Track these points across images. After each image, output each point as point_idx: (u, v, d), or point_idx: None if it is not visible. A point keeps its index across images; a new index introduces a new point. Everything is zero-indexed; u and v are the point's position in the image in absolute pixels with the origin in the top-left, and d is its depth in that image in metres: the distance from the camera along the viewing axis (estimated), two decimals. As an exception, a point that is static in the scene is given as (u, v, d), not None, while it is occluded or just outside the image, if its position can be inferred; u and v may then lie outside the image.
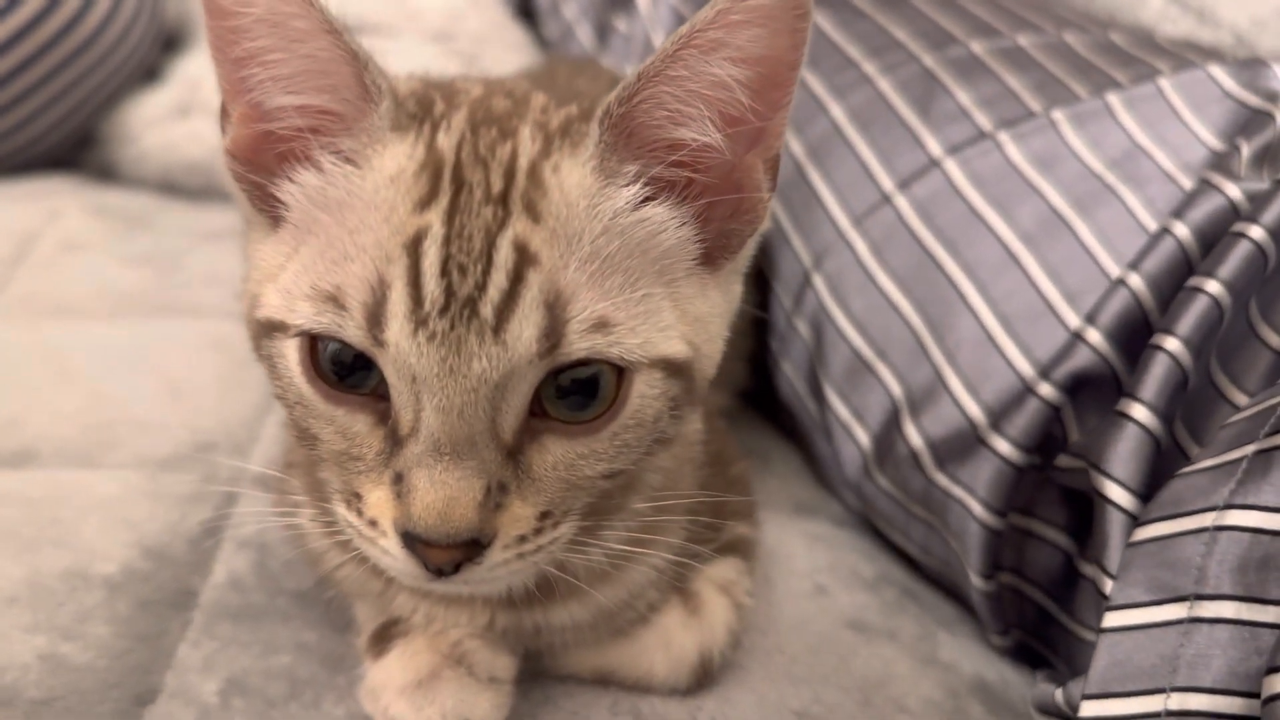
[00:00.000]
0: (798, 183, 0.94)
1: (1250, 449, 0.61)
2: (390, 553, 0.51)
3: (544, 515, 0.51)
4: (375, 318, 0.48)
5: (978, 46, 0.93)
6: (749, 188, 0.54)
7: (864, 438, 0.85)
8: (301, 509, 0.66)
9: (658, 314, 0.51)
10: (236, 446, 0.84)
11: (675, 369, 0.52)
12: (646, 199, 0.52)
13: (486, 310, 0.47)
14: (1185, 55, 0.90)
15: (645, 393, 0.51)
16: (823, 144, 0.94)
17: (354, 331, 0.48)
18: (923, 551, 0.83)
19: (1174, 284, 0.74)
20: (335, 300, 0.48)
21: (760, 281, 0.98)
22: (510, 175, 0.50)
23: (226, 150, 0.55)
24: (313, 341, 0.50)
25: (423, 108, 0.53)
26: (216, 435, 0.86)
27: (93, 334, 1.00)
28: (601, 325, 0.49)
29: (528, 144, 0.52)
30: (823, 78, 0.97)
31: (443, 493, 0.48)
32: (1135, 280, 0.74)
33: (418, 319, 0.47)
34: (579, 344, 0.48)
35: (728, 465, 0.74)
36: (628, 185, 0.51)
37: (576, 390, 0.50)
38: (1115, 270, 0.76)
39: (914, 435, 0.80)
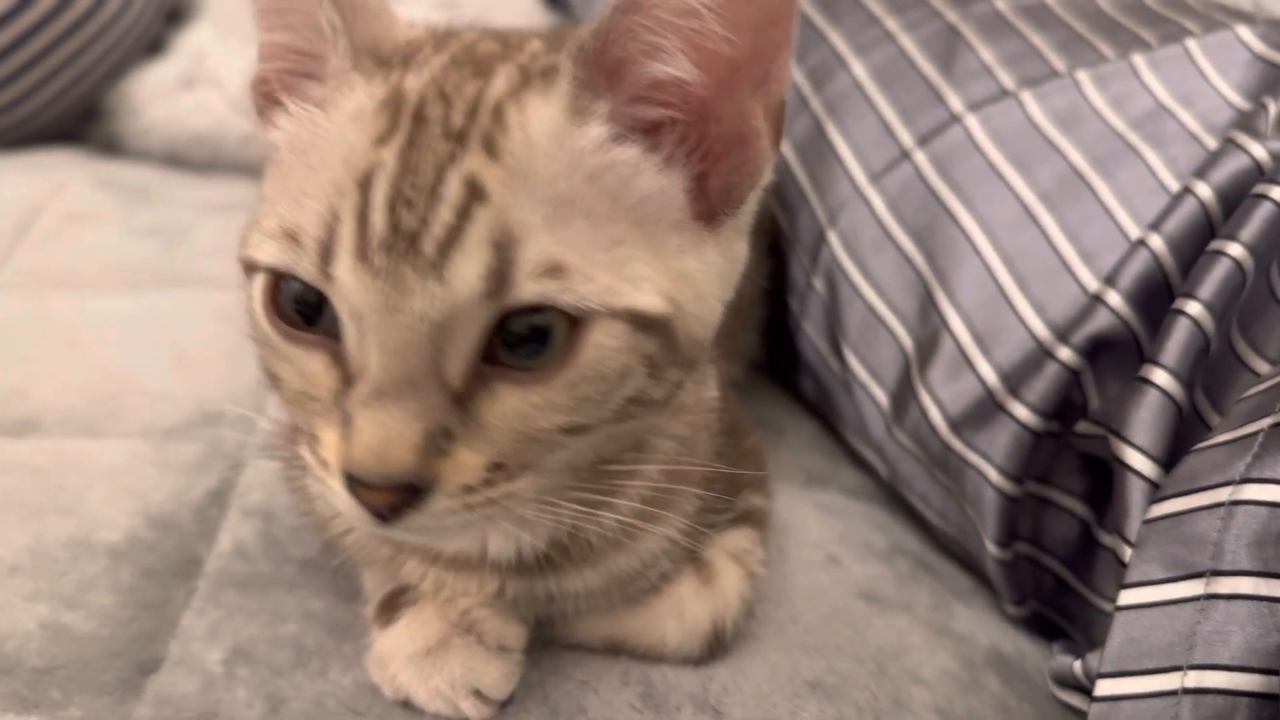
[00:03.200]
0: (815, 140, 0.93)
1: (1266, 423, 0.60)
2: (338, 494, 0.49)
3: (495, 467, 0.48)
4: (326, 254, 0.46)
5: (1001, 3, 0.91)
6: (748, 136, 0.50)
7: (881, 395, 0.84)
8: (309, 472, 0.65)
9: (628, 264, 0.48)
10: (243, 416, 0.83)
11: (648, 324, 0.48)
12: (621, 140, 0.49)
13: (429, 246, 0.45)
14: (1213, 15, 0.88)
15: (604, 344, 0.47)
16: (842, 101, 0.92)
17: (308, 268, 0.47)
18: (940, 517, 0.82)
19: (1195, 245, 0.73)
20: (294, 238, 0.47)
21: (774, 251, 0.97)
22: (473, 113, 0.48)
23: (250, 84, 0.56)
24: (276, 281, 0.49)
25: (406, 53, 0.52)
26: (223, 405, 0.85)
27: (99, 306, 0.99)
28: (555, 269, 0.46)
29: (500, 83, 0.50)
30: (845, 35, 0.95)
31: (379, 434, 0.46)
32: (1156, 241, 0.72)
33: (361, 254, 0.46)
34: (529, 288, 0.45)
35: (742, 437, 0.73)
36: (596, 124, 0.48)
37: (533, 338, 0.47)
38: (1134, 230, 0.74)
39: (924, 393, 0.79)
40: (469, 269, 0.45)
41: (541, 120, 0.48)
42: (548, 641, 0.66)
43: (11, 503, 0.72)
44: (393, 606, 0.64)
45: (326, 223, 0.46)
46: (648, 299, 0.48)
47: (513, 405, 0.48)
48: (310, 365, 0.50)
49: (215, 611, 0.65)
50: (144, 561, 0.68)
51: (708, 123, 0.50)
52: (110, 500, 0.73)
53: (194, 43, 1.46)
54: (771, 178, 0.54)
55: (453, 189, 0.46)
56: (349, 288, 0.46)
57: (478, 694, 0.60)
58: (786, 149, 0.96)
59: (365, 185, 0.47)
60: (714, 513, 0.67)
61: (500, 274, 0.45)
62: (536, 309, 0.46)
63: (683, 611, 0.65)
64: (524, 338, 0.47)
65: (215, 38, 1.45)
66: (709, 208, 0.51)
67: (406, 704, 0.60)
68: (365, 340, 0.47)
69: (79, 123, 1.46)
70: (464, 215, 0.45)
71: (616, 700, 0.62)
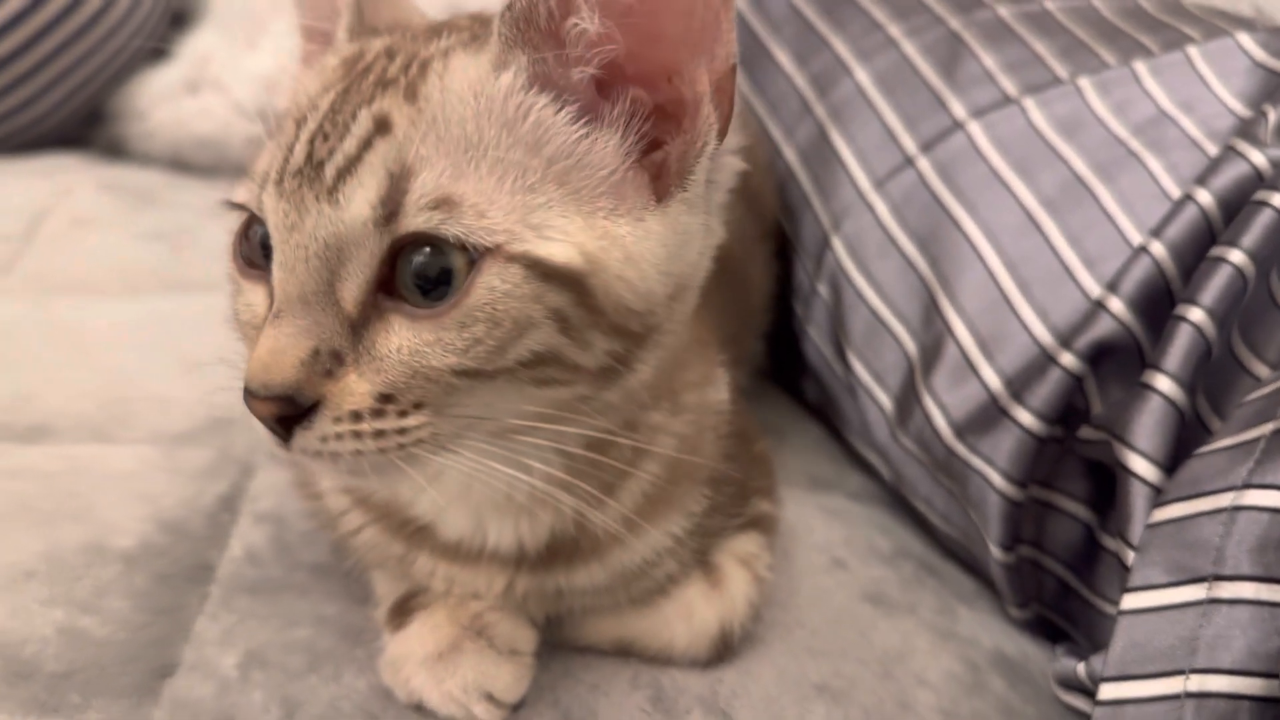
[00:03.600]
0: (819, 145, 0.94)
1: (1268, 428, 0.60)
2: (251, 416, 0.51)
3: (385, 398, 0.49)
4: (264, 186, 0.51)
5: (1004, 10, 0.92)
6: (694, 103, 0.51)
7: (885, 399, 0.85)
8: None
9: (540, 211, 0.49)
10: (251, 420, 0.84)
11: (553, 275, 0.48)
12: (544, 93, 0.50)
13: (329, 172, 0.48)
14: (1213, 22, 0.89)
15: (495, 286, 0.48)
16: (846, 107, 0.93)
17: (254, 200, 0.52)
18: (944, 520, 0.82)
19: (1196, 252, 0.73)
20: (253, 178, 0.52)
21: (780, 256, 0.98)
22: (406, 67, 0.52)
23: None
24: (247, 224, 0.54)
25: (391, 27, 0.58)
26: (232, 410, 0.84)
27: (106, 310, 1.00)
28: (444, 202, 0.47)
29: (440, 43, 0.53)
30: (848, 41, 0.96)
31: (269, 345, 0.48)
32: (1157, 248, 0.73)
33: (279, 180, 0.50)
34: (416, 218, 0.47)
35: (751, 443, 0.74)
36: (511, 73, 0.50)
37: (442, 280, 0.48)
38: (1136, 236, 0.75)
39: (927, 398, 0.80)
40: (360, 194, 0.48)
41: (464, 70, 0.50)
42: (557, 644, 0.67)
43: (25, 508, 0.72)
44: (404, 610, 0.65)
45: (270, 161, 0.51)
46: (553, 248, 0.48)
47: (405, 339, 0.49)
48: (254, 296, 0.54)
49: (228, 616, 0.66)
50: (157, 567, 0.69)
51: (653, 88, 0.51)
52: (122, 506, 0.74)
53: (198, 47, 1.47)
54: (735, 145, 0.54)
55: (362, 123, 0.50)
56: (268, 210, 0.50)
57: (490, 697, 0.60)
58: (790, 155, 0.97)
59: (301, 123, 0.51)
60: (723, 516, 0.68)
61: (391, 203, 0.48)
62: (424, 240, 0.48)
63: (691, 614, 0.66)
64: (433, 280, 0.48)
65: (219, 42, 1.45)
66: (667, 179, 0.52)
67: (420, 708, 0.61)
68: (275, 263, 0.50)
69: (83, 127, 1.47)
70: (365, 146, 0.49)
71: (627, 703, 0.63)
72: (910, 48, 0.93)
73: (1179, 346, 0.69)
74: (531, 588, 0.63)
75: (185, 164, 1.41)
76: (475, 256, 0.48)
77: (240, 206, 0.54)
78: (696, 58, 0.50)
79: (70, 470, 0.77)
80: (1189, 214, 0.74)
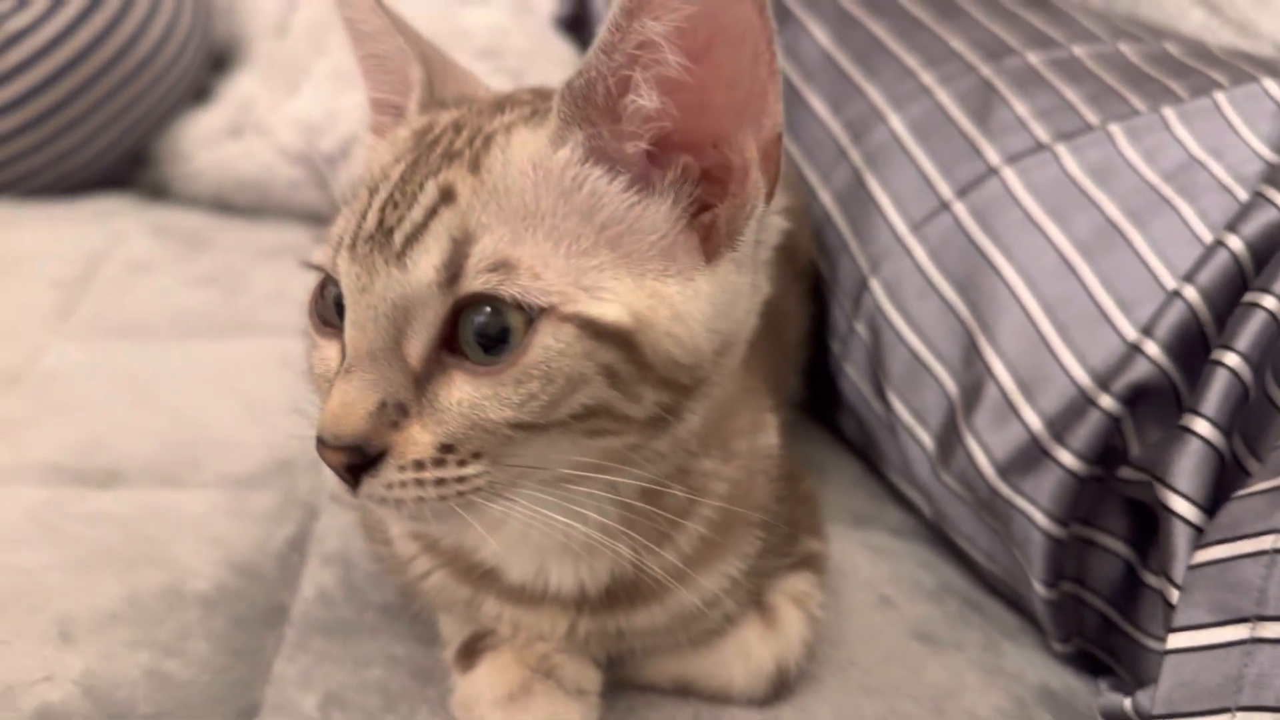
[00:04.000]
0: (855, 190, 0.97)
1: None
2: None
3: (446, 448, 0.52)
4: (339, 249, 0.55)
5: (1034, 57, 0.95)
6: (742, 170, 0.54)
7: (926, 439, 0.87)
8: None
9: (590, 274, 0.52)
10: (314, 463, 0.86)
11: (604, 333, 0.51)
12: (599, 165, 0.53)
13: (398, 238, 0.52)
14: (1240, 66, 0.91)
15: (550, 345, 0.51)
16: (881, 152, 0.96)
17: (330, 263, 0.56)
18: (987, 559, 0.85)
19: (1228, 296, 0.76)
20: (330, 240, 0.57)
21: (815, 296, 1.00)
22: (472, 140, 0.56)
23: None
24: (322, 284, 0.58)
25: (463, 101, 0.62)
26: (293, 452, 0.88)
27: (165, 354, 1.03)
28: (502, 265, 0.51)
29: (504, 118, 0.57)
30: (882, 88, 0.99)
31: (340, 399, 0.52)
32: (1190, 293, 0.76)
33: (352, 245, 0.54)
34: (476, 280, 0.51)
35: (798, 481, 0.76)
36: (569, 148, 0.53)
37: (500, 339, 0.51)
38: (1169, 280, 0.77)
39: (970, 438, 0.82)
40: (425, 259, 0.52)
41: (524, 144, 0.54)
42: (619, 683, 0.69)
43: (104, 553, 0.75)
44: (472, 651, 0.67)
45: (345, 226, 0.55)
46: (603, 308, 0.52)
47: (466, 393, 0.52)
48: (328, 352, 0.58)
49: (305, 658, 0.69)
50: (234, 610, 0.72)
51: (702, 156, 0.54)
52: (196, 550, 0.77)
53: (241, 90, 1.50)
54: (779, 207, 0.57)
55: (429, 193, 0.53)
56: (341, 273, 0.54)
57: (561, 736, 0.63)
58: (826, 199, 1.00)
59: (374, 191, 0.56)
60: (775, 556, 0.70)
61: (454, 266, 0.51)
62: (484, 300, 0.51)
63: (748, 654, 0.69)
64: (493, 338, 0.52)
65: (261, 86, 1.49)
66: (716, 240, 0.55)
67: (493, 747, 0.63)
68: (347, 321, 0.54)
69: (128, 168, 1.51)
70: (431, 214, 0.53)
71: (689, 741, 0.66)
72: (943, 95, 0.96)
73: (1216, 390, 0.71)
74: (593, 629, 0.66)
75: (229, 205, 1.44)
76: (532, 316, 0.51)
77: (317, 268, 0.58)
78: (745, 127, 0.53)
79: (143, 515, 0.80)
80: (1220, 259, 0.76)
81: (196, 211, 1.42)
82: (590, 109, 0.53)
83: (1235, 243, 0.76)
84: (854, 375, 0.97)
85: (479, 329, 0.51)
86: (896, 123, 0.96)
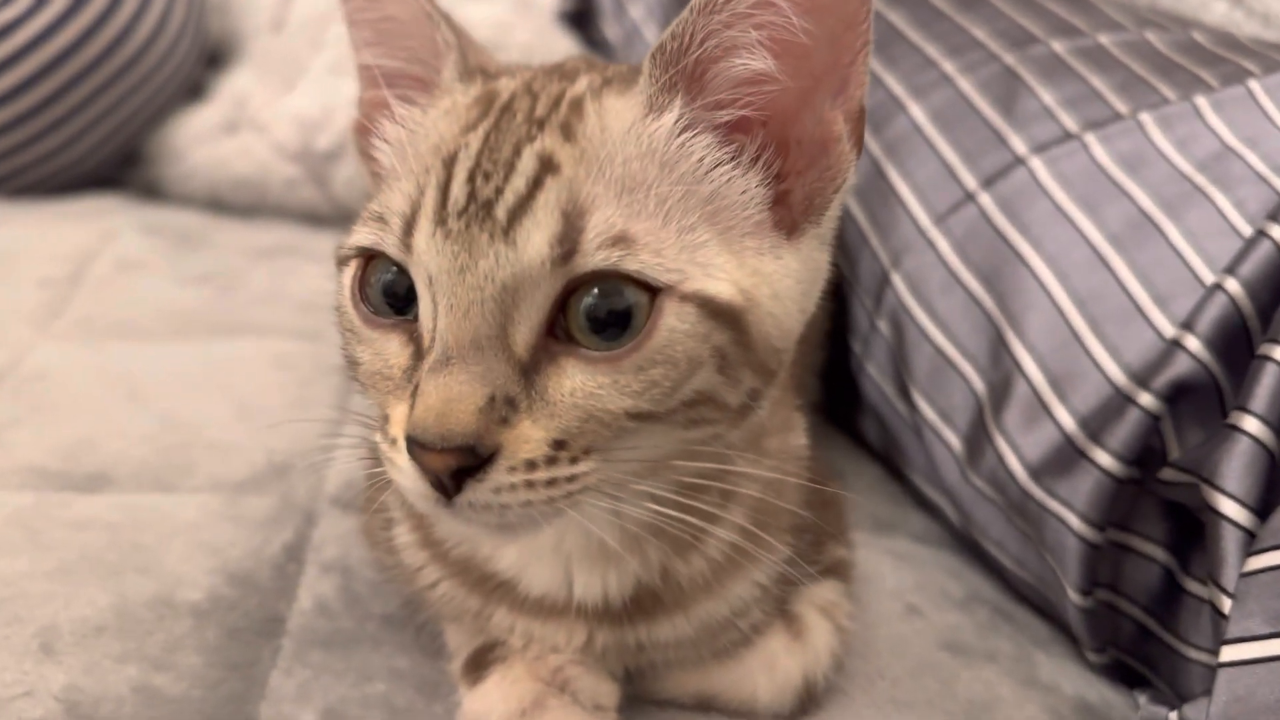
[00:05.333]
0: (875, 182, 0.93)
1: None
2: (402, 469, 0.49)
3: (558, 444, 0.48)
4: (409, 226, 0.49)
5: (1059, 45, 0.92)
6: (829, 142, 0.51)
7: (954, 439, 0.84)
8: (397, 524, 0.66)
9: (701, 249, 0.49)
10: (312, 467, 0.83)
11: (719, 313, 0.48)
12: (699, 134, 0.51)
13: (500, 211, 0.48)
14: (1270, 55, 0.88)
15: (675, 326, 0.48)
16: (902, 143, 0.92)
17: (392, 242, 0.50)
18: (1018, 565, 0.81)
19: (1271, 289, 0.72)
20: (382, 219, 0.51)
21: (835, 293, 0.97)
22: (555, 105, 0.52)
23: (354, 125, 0.62)
24: (364, 270, 0.53)
25: (503, 70, 0.58)
26: (290, 456, 0.85)
27: (157, 355, 0.99)
28: (621, 240, 0.47)
29: (582, 83, 0.53)
30: (901, 77, 0.96)
31: (443, 394, 0.47)
32: (1233, 285, 0.72)
33: (440, 220, 0.48)
34: (595, 256, 0.47)
35: (823, 485, 0.72)
36: (670, 115, 0.50)
37: (613, 322, 0.48)
38: (1206, 273, 0.74)
39: (999, 438, 0.79)
40: (538, 234, 0.47)
41: (618, 111, 0.51)
42: (637, 698, 0.65)
43: (91, 560, 0.71)
44: (480, 664, 0.64)
45: (412, 199, 0.50)
46: (719, 285, 0.49)
47: (581, 382, 0.48)
48: (388, 345, 0.52)
49: (303, 671, 0.65)
50: (227, 621, 0.68)
51: (788, 125, 0.52)
52: (188, 557, 0.73)
53: (236, 87, 1.47)
54: (854, 180, 0.54)
55: (527, 162, 0.49)
56: (425, 252, 0.48)
57: (578, 756, 0.59)
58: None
59: (450, 162, 0.50)
60: (803, 563, 0.67)
61: (568, 241, 0.47)
62: (601, 278, 0.47)
63: (774, 666, 0.65)
64: (605, 322, 0.48)
65: (257, 82, 1.46)
66: (792, 218, 0.53)
67: (505, 765, 0.59)
68: (437, 307, 0.49)
69: (120, 167, 1.47)
70: (536, 184, 0.48)
71: (712, 759, 0.62)
72: (966, 84, 0.92)
73: (1265, 386, 0.68)
74: (612, 641, 0.62)
75: (223, 204, 1.41)
76: (651, 295, 0.48)
77: (366, 251, 0.52)
78: (835, 96, 0.51)
79: (133, 521, 0.76)
80: (1263, 251, 0.73)
81: (190, 210, 1.39)
82: (685, 73, 0.50)
83: (1278, 233, 0.73)
84: (876, 375, 0.93)
85: (589, 311, 0.48)
86: (917, 112, 0.93)
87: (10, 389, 0.92)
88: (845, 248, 0.96)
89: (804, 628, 0.66)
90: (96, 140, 1.40)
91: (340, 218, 1.31)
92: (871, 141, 0.95)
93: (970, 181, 0.87)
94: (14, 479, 0.80)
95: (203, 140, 1.43)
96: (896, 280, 0.89)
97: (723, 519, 0.60)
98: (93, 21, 1.32)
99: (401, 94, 0.59)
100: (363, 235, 0.52)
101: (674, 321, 0.48)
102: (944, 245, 0.87)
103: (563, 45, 1.43)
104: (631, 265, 0.47)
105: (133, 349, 1.00)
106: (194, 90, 1.52)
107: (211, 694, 0.62)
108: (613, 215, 0.48)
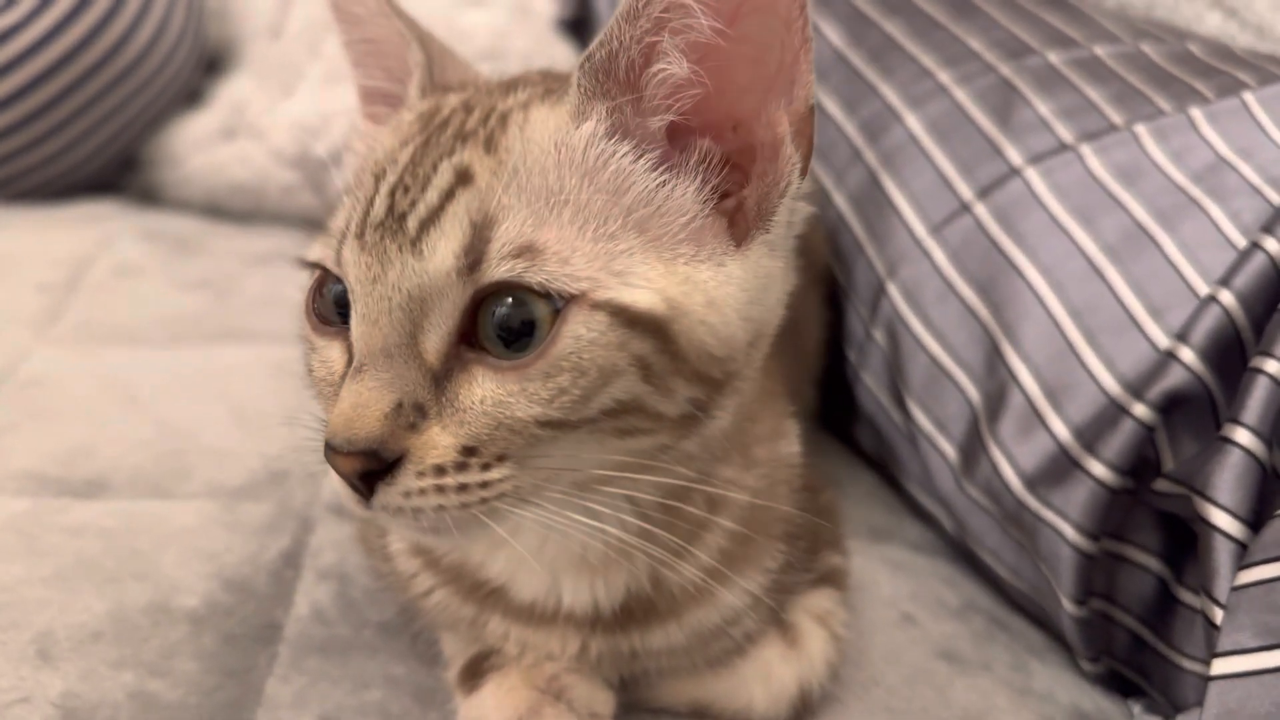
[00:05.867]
0: (871, 191, 0.94)
1: None
2: (330, 472, 0.50)
3: (469, 451, 0.48)
4: (342, 241, 0.51)
5: (1054, 56, 0.92)
6: (774, 145, 0.51)
7: (949, 448, 0.84)
8: (390, 531, 0.66)
9: (620, 259, 0.49)
10: (309, 474, 0.83)
11: (636, 320, 0.48)
12: (624, 142, 0.50)
13: (412, 223, 0.49)
14: (1265, 67, 0.89)
15: (582, 334, 0.47)
16: (898, 153, 0.93)
17: (330, 257, 0.52)
18: (1012, 574, 0.81)
19: (1265, 301, 0.73)
20: (329, 233, 0.53)
21: (832, 302, 0.97)
22: (485, 119, 0.53)
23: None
24: (320, 282, 0.54)
25: (463, 84, 0.59)
26: (287, 463, 0.85)
27: (154, 360, 1.00)
28: (526, 250, 0.47)
29: (518, 96, 0.54)
30: (897, 88, 0.96)
31: (352, 400, 0.48)
32: (1227, 297, 0.73)
33: (359, 234, 0.50)
34: (500, 267, 0.47)
35: (817, 493, 0.73)
36: (591, 122, 0.50)
37: (525, 331, 0.48)
38: (1200, 285, 0.74)
39: (994, 447, 0.79)
40: (444, 244, 0.48)
41: (544, 122, 0.51)
42: (632, 706, 0.65)
43: (88, 566, 0.71)
44: (476, 672, 0.64)
45: (349, 214, 0.52)
46: (636, 294, 0.48)
47: (489, 390, 0.48)
48: (330, 352, 0.54)
49: (299, 678, 0.65)
50: (224, 627, 0.68)
51: (740, 130, 0.51)
52: (185, 563, 0.73)
53: (235, 93, 1.47)
54: (808, 188, 0.53)
55: (443, 175, 0.50)
56: (347, 264, 0.50)
57: (573, 764, 0.59)
58: (840, 201, 0.97)
59: (380, 177, 0.52)
60: (797, 571, 0.67)
61: (474, 252, 0.47)
62: (508, 289, 0.47)
63: (769, 675, 0.65)
64: (515, 331, 0.48)
65: (255, 88, 1.46)
66: (743, 224, 0.52)
67: (501, 773, 0.59)
68: (356, 316, 0.50)
69: (117, 172, 1.47)
70: (447, 196, 0.49)
71: (707, 767, 0.62)
72: (962, 94, 0.93)
73: (1257, 399, 0.68)
74: (606, 649, 0.62)
75: (221, 210, 1.41)
76: (559, 305, 0.47)
77: (315, 265, 0.54)
78: (776, 99, 0.50)
79: (130, 527, 0.76)
80: (1257, 263, 0.73)
81: (187, 216, 1.39)
82: (613, 81, 0.50)
83: (1273, 245, 0.73)
84: (871, 383, 0.94)
85: (501, 320, 0.48)
86: (913, 122, 0.93)
87: (7, 394, 0.92)
88: (840, 256, 0.97)
89: (799, 636, 0.66)
90: (95, 145, 1.40)
91: (338, 224, 1.31)
92: (867, 151, 0.96)
93: (966, 192, 0.87)
94: (10, 484, 0.80)
95: (201, 146, 1.43)
96: (892, 289, 0.90)
97: (712, 525, 0.60)
98: (92, 27, 1.32)
99: (373, 112, 0.61)
100: (315, 249, 0.54)
101: (580, 330, 0.47)
102: (940, 255, 0.87)
103: (561, 52, 1.43)
104: (535, 277, 0.47)
105: (130, 354, 1.00)
106: (192, 96, 1.52)
107: (208, 700, 0.63)
108: (523, 225, 0.48)
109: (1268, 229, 0.74)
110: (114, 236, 1.24)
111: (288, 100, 1.42)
